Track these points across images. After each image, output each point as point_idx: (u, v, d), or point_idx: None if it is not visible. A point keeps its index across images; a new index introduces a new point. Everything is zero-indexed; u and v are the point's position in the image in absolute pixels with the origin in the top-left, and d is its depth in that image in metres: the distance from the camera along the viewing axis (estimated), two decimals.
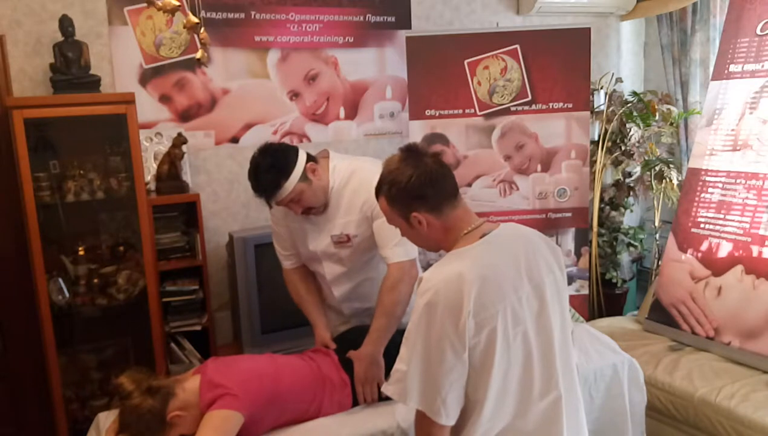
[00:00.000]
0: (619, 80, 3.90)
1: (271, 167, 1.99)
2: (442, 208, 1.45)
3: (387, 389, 1.40)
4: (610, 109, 3.79)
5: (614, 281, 3.94)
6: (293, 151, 2.05)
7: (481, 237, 1.44)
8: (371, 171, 2.04)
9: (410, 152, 1.49)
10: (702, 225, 3.09)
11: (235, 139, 3.30)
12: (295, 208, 2.06)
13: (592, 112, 3.72)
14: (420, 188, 1.44)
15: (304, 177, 2.02)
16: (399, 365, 1.38)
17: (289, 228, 2.23)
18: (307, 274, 2.32)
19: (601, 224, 3.96)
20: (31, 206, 2.51)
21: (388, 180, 1.48)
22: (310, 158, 2.08)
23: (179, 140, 2.95)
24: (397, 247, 2.03)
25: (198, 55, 1.73)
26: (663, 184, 3.81)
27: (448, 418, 1.35)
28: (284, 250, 2.30)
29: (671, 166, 3.77)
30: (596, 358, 2.24)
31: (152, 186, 2.97)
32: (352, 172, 2.12)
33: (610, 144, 3.83)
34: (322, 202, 2.10)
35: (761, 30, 3.06)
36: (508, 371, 1.39)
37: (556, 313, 1.47)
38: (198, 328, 2.96)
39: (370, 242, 2.13)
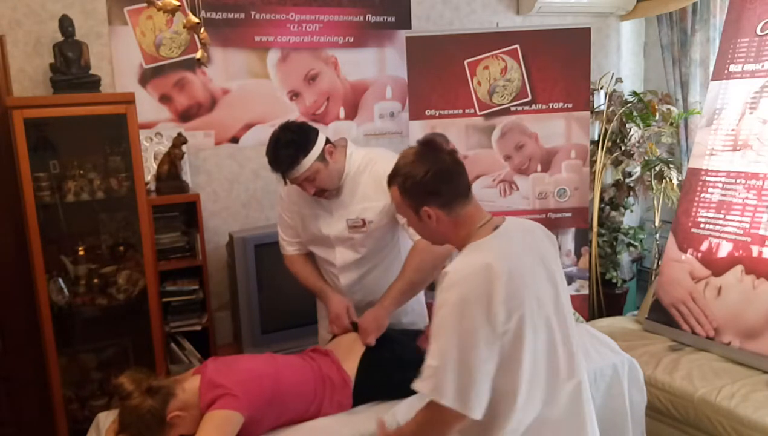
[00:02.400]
0: (619, 80, 3.90)
1: (290, 142, 2.01)
2: (454, 206, 1.47)
3: (419, 385, 1.38)
4: (610, 109, 3.79)
5: (614, 281, 3.94)
6: (313, 131, 2.08)
7: (494, 229, 1.47)
8: (387, 159, 2.10)
9: (428, 147, 1.51)
10: (702, 225, 3.09)
11: (235, 139, 3.30)
12: (308, 187, 2.08)
13: (592, 112, 3.72)
14: (435, 184, 1.45)
15: (321, 157, 2.05)
16: (430, 361, 1.37)
17: (300, 214, 2.24)
18: (311, 258, 2.34)
19: (601, 224, 3.96)
20: (31, 206, 2.51)
21: (403, 172, 1.49)
22: (328, 141, 2.11)
23: (179, 140, 2.95)
24: None
25: (198, 55, 1.73)
26: (663, 184, 3.81)
27: (480, 412, 1.36)
28: (288, 236, 2.32)
29: (671, 166, 3.77)
30: (596, 358, 2.24)
31: (152, 186, 2.97)
32: (369, 160, 2.15)
33: (610, 144, 3.83)
34: (336, 186, 2.13)
35: (761, 30, 3.06)
36: (535, 358, 1.41)
37: (567, 299, 1.52)
38: (198, 328, 2.96)
39: (385, 230, 2.16)
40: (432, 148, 1.50)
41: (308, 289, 2.31)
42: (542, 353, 1.42)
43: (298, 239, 2.31)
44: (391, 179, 1.53)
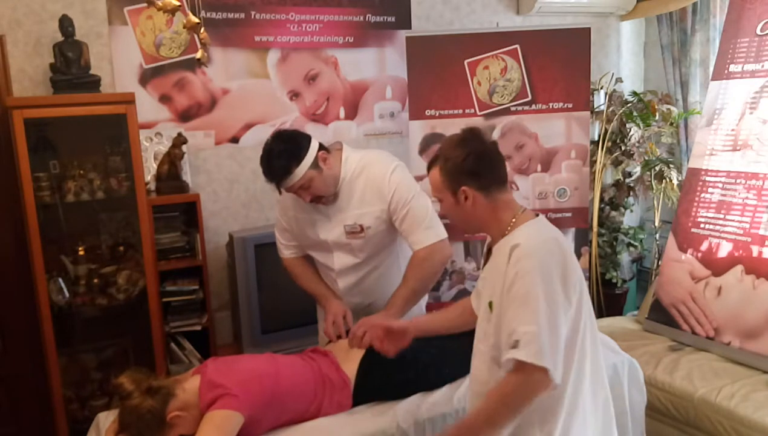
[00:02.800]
0: (619, 80, 3.90)
1: (283, 152, 2.01)
2: (491, 190, 1.53)
3: (519, 353, 1.36)
4: (610, 109, 3.79)
5: (614, 281, 3.94)
6: (306, 139, 2.08)
7: (536, 215, 1.55)
8: (384, 163, 2.13)
9: (472, 133, 1.56)
10: (702, 225, 3.09)
11: (235, 139, 3.30)
12: (304, 195, 2.08)
13: (592, 112, 3.72)
14: (475, 166, 1.51)
15: (315, 164, 2.05)
16: (525, 327, 1.37)
17: (297, 219, 2.24)
18: (309, 261, 2.34)
19: (601, 224, 3.96)
20: (31, 206, 2.51)
21: (445, 154, 1.54)
22: (322, 148, 2.11)
23: (179, 140, 2.95)
24: (427, 229, 2.09)
25: (198, 55, 1.73)
26: (663, 184, 3.81)
27: (561, 377, 1.39)
28: (285, 240, 2.33)
29: (671, 166, 3.77)
30: None
31: (152, 186, 2.97)
32: (365, 164, 2.14)
33: (610, 144, 3.83)
34: (332, 192, 2.13)
35: (761, 30, 3.06)
36: (584, 335, 1.46)
37: None
38: (198, 328, 2.96)
39: (383, 235, 2.17)
40: (474, 134, 1.55)
41: (307, 292, 2.31)
42: (589, 331, 1.48)
43: (294, 243, 2.31)
44: (433, 161, 1.57)
